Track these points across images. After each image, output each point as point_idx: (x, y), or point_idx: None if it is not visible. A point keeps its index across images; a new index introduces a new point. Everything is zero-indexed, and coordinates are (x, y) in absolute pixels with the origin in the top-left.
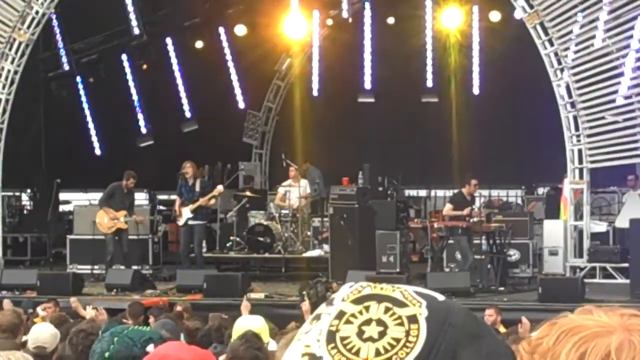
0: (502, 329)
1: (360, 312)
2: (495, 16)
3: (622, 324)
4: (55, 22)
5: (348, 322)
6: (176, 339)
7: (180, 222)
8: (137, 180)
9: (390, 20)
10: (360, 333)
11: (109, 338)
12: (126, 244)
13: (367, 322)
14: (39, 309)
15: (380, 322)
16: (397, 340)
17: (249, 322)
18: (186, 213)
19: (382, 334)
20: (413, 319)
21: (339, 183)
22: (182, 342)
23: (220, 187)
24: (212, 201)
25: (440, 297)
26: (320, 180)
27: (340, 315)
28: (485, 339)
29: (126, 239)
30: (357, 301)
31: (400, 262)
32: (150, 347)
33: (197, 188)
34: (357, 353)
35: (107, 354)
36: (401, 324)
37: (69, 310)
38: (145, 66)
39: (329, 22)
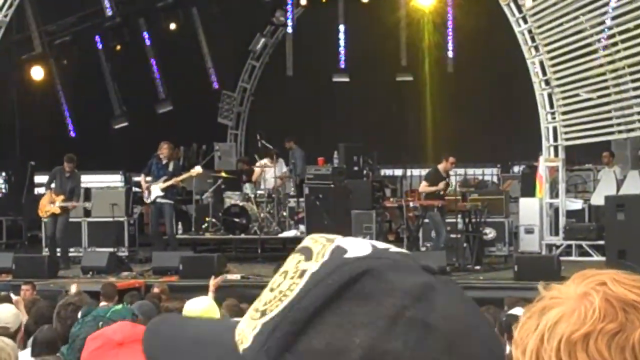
0: None
1: (287, 263)
2: None
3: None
4: (27, 4)
5: (278, 271)
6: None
7: (149, 199)
8: (78, 163)
9: None
10: (272, 282)
11: (93, 322)
12: (60, 229)
13: (282, 273)
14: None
15: (285, 273)
16: (281, 293)
17: (194, 305)
18: (155, 191)
19: (278, 285)
20: (302, 274)
21: (314, 163)
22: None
23: (198, 168)
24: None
25: (355, 254)
26: (300, 161)
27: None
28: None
29: (62, 224)
30: (294, 251)
31: None
32: None
33: (170, 168)
34: (259, 301)
35: None
36: (292, 277)
37: (45, 293)
38: (118, 47)
39: (303, 1)
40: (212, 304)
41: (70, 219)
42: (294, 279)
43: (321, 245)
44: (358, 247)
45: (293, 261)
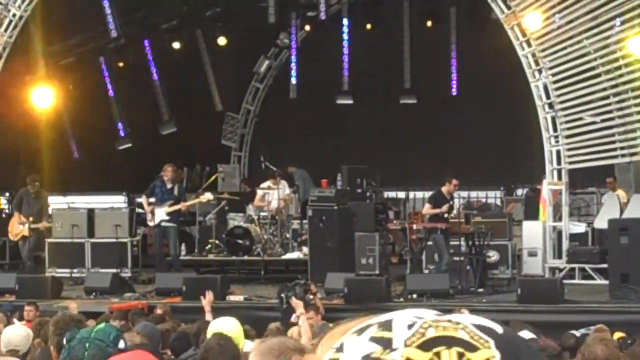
0: None
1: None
2: (472, 17)
3: None
4: (32, 25)
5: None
6: (155, 342)
7: (153, 222)
8: (41, 182)
9: (368, 21)
10: None
11: (80, 345)
12: (28, 251)
13: None
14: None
15: None
16: None
17: (222, 324)
18: (160, 214)
19: None
20: None
21: (317, 185)
22: (144, 352)
23: (208, 195)
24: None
25: (500, 330)
26: (303, 182)
27: None
28: None
29: (30, 246)
30: (424, 347)
31: (379, 264)
32: (121, 344)
33: (175, 192)
34: None
35: None
36: None
37: (47, 313)
38: (123, 68)
39: (307, 28)
40: (239, 326)
41: (74, 240)
42: None
43: (464, 332)
44: (488, 323)
45: (449, 356)
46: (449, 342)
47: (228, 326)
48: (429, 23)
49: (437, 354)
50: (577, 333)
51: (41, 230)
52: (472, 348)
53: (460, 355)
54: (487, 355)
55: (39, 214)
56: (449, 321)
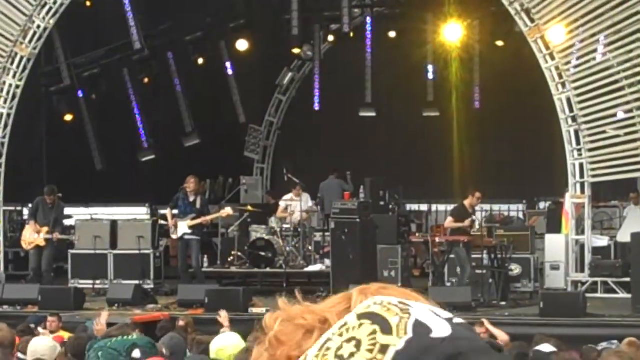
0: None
1: (354, 328)
2: (496, 30)
3: None
4: (56, 37)
5: (341, 334)
6: (182, 354)
7: (176, 235)
8: (59, 193)
9: (392, 34)
10: (339, 348)
11: (94, 355)
12: (46, 263)
13: (350, 339)
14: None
15: (357, 343)
16: None
17: (224, 341)
18: (183, 227)
19: (350, 356)
20: (384, 349)
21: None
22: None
23: (228, 209)
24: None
25: (440, 333)
26: (322, 193)
27: (341, 326)
28: None
29: (47, 257)
30: (361, 316)
31: (401, 277)
32: (136, 353)
33: (197, 205)
34: None
35: None
36: (371, 350)
37: (70, 324)
38: (146, 80)
39: (330, 38)
40: (241, 342)
41: (97, 251)
42: (374, 353)
43: (398, 318)
44: (437, 324)
45: (364, 330)
46: (377, 319)
47: (231, 342)
48: (452, 38)
49: (361, 325)
50: (599, 347)
51: (54, 241)
52: (387, 331)
53: (373, 332)
54: (389, 342)
55: (54, 225)
56: (400, 305)
